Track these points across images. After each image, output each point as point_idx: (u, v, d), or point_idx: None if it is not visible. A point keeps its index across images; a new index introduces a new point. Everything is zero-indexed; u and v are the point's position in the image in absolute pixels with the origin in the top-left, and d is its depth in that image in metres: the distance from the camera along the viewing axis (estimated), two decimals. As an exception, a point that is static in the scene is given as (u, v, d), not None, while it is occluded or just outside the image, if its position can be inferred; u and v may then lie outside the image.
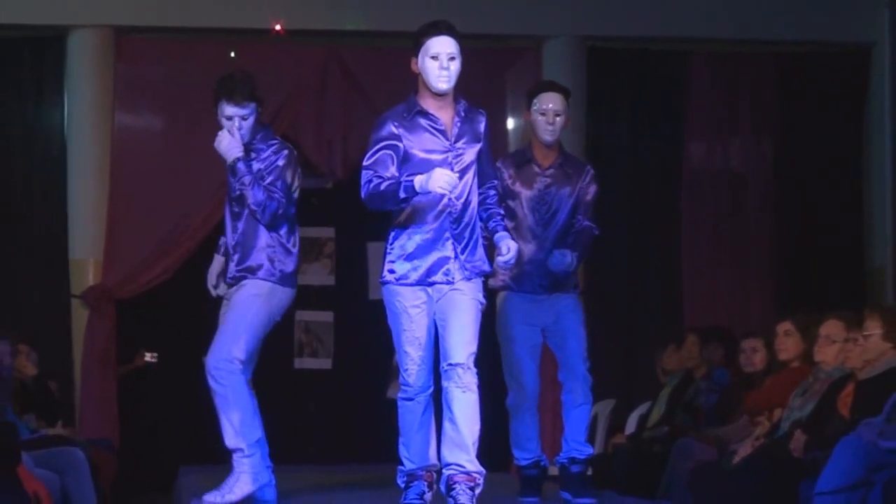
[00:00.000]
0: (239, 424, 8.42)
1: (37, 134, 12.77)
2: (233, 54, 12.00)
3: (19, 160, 12.75)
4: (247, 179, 8.41)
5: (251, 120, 8.53)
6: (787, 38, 13.09)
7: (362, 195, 7.63)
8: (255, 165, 8.52)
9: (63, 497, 8.29)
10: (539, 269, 9.00)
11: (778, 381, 10.09)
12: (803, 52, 13.21)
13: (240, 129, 8.51)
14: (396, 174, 7.55)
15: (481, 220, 7.86)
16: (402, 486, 7.77)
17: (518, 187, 8.96)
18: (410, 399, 7.70)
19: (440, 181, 7.38)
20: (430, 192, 7.45)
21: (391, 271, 7.74)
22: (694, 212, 13.17)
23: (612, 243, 11.86)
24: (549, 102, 9.02)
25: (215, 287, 8.77)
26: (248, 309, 8.49)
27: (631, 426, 11.84)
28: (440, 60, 7.60)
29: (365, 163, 7.68)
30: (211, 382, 8.41)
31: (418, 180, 7.41)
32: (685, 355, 11.64)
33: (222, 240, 8.78)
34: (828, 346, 9.43)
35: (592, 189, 9.14)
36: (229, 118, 8.49)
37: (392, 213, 7.75)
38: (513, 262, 7.90)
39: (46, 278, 12.67)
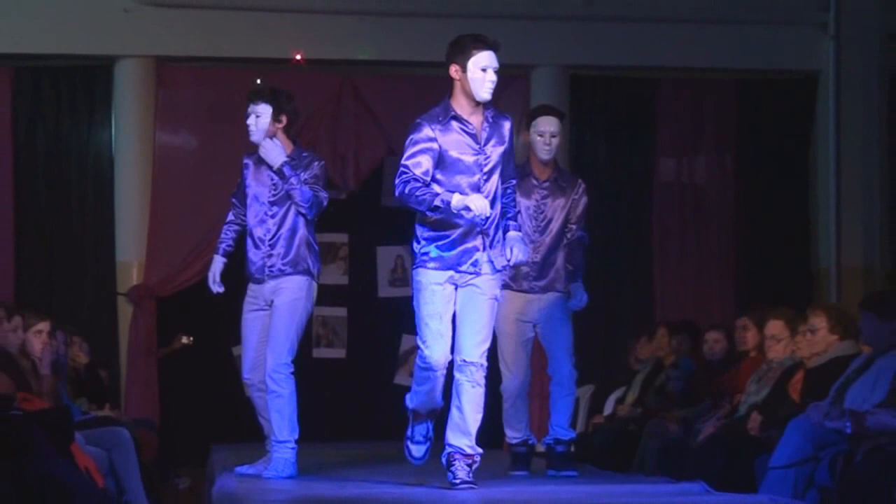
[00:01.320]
0: (290, 420, 8.53)
1: (88, 151, 12.78)
2: (259, 81, 11.98)
3: (73, 175, 12.77)
4: (294, 180, 8.46)
5: (265, 120, 8.55)
6: (744, 67, 13.08)
7: (397, 191, 7.55)
8: (302, 175, 8.55)
9: (110, 470, 8.29)
10: (534, 270, 9.03)
11: (739, 370, 10.12)
12: (759, 78, 13.20)
13: (256, 128, 8.55)
14: (431, 172, 7.50)
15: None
16: (409, 426, 7.77)
17: (518, 198, 8.96)
18: (429, 369, 7.58)
19: (478, 209, 7.33)
20: (461, 214, 7.38)
21: (424, 254, 7.59)
22: (663, 219, 13.17)
23: (592, 247, 11.84)
24: (547, 125, 9.05)
25: (218, 285, 8.80)
26: (294, 311, 8.54)
27: (608, 408, 11.82)
28: (488, 73, 7.52)
29: (403, 161, 7.57)
30: (271, 385, 8.48)
31: (456, 200, 7.35)
32: (656, 346, 11.64)
33: (223, 245, 8.82)
34: (774, 344, 9.49)
35: (584, 200, 9.17)
36: (247, 116, 8.56)
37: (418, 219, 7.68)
38: (524, 259, 7.85)
39: (96, 278, 12.68)
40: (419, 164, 7.53)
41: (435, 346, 7.53)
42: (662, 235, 13.17)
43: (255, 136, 8.59)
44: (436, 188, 7.51)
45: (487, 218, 7.49)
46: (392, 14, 12.56)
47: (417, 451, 7.77)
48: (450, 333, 7.60)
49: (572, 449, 9.33)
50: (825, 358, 8.92)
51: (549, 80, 12.78)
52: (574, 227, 9.13)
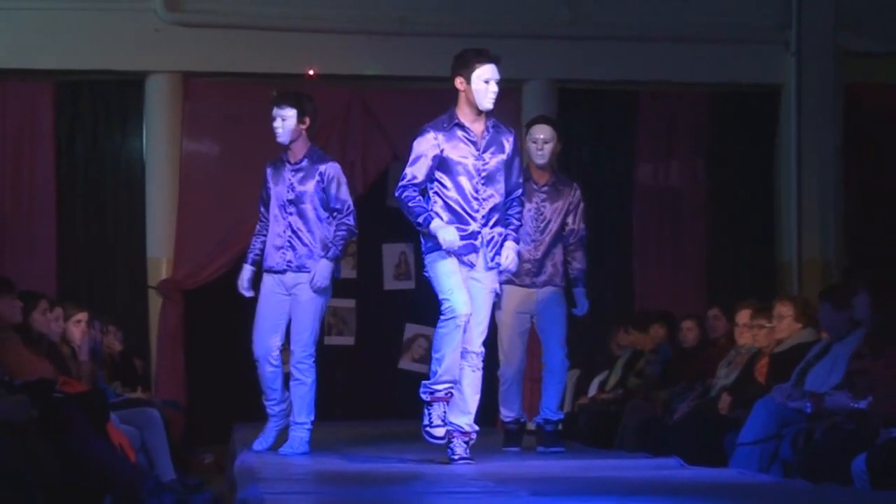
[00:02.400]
0: (308, 405, 8.61)
1: (122, 158, 12.76)
2: (275, 94, 11.98)
3: (108, 179, 12.76)
4: (335, 253, 8.55)
5: (291, 123, 8.50)
6: (715, 81, 13.06)
7: (396, 193, 7.64)
8: (308, 178, 8.52)
9: (142, 447, 8.31)
10: (535, 267, 9.06)
11: (710, 355, 10.14)
12: (728, 91, 13.18)
13: (282, 130, 8.51)
14: (431, 177, 7.56)
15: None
16: (426, 398, 7.64)
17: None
18: (454, 318, 7.51)
19: (446, 239, 7.43)
20: (435, 237, 7.45)
21: (430, 245, 7.61)
22: (642, 218, 13.16)
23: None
24: (539, 133, 9.11)
25: (247, 290, 8.82)
26: (317, 306, 8.61)
27: (592, 390, 11.85)
28: (490, 84, 7.56)
29: (406, 167, 7.64)
30: (296, 373, 8.58)
31: (433, 224, 7.44)
32: (634, 337, 11.70)
33: (252, 255, 8.79)
34: (744, 330, 9.52)
35: (581, 204, 9.24)
36: (273, 119, 8.53)
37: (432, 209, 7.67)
38: (512, 269, 7.86)
39: (129, 273, 12.65)
40: (418, 172, 7.59)
41: (457, 295, 7.51)
42: (641, 233, 13.16)
43: (282, 138, 8.56)
44: (437, 203, 7.61)
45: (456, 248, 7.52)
46: (397, 33, 12.56)
47: (438, 432, 7.66)
48: (465, 291, 7.58)
49: (560, 428, 9.37)
50: (788, 345, 8.95)
51: (539, 93, 12.77)
52: (576, 228, 9.18)
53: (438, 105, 7.89)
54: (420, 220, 7.53)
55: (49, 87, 12.55)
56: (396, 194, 7.66)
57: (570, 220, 9.19)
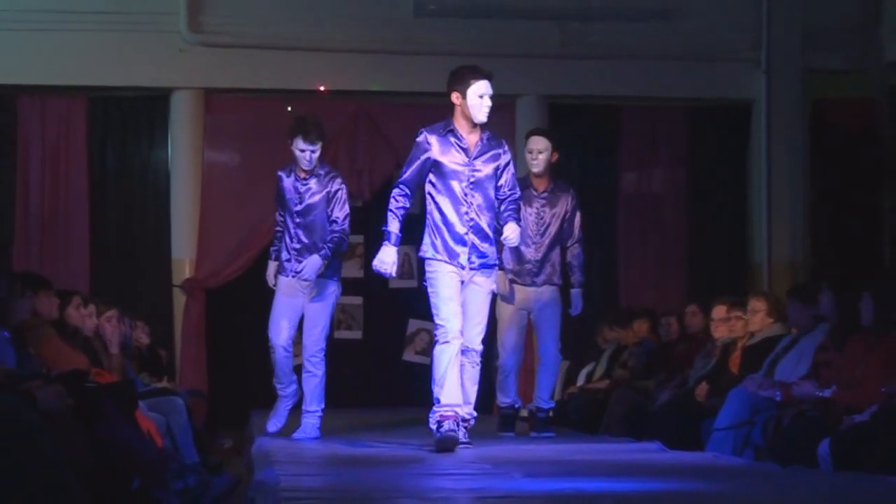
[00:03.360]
0: (319, 395, 8.70)
1: (149, 167, 12.77)
2: (289, 108, 12.00)
3: (137, 187, 12.78)
4: (326, 254, 8.56)
5: (318, 153, 8.54)
6: (692, 96, 13.08)
7: (391, 193, 7.68)
8: (315, 191, 8.54)
9: (167, 432, 8.30)
10: (535, 267, 9.08)
11: (688, 348, 10.15)
12: (704, 106, 13.19)
13: (310, 161, 8.52)
14: (423, 175, 7.59)
15: (499, 215, 7.73)
16: (435, 426, 7.48)
17: (521, 205, 8.99)
18: (448, 342, 7.47)
19: (379, 260, 7.55)
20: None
21: (432, 248, 7.60)
22: (626, 223, 13.17)
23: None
24: (534, 144, 9.16)
25: (274, 283, 8.88)
26: (327, 309, 8.72)
27: (581, 380, 11.85)
28: (485, 99, 7.53)
29: (402, 175, 7.71)
30: (309, 367, 8.65)
31: (384, 247, 7.53)
32: (617, 332, 11.71)
33: (276, 251, 8.90)
34: (719, 325, 9.51)
35: (577, 211, 9.26)
36: (302, 151, 8.49)
37: (426, 211, 7.70)
38: (515, 243, 7.78)
39: (155, 273, 12.65)
40: (411, 171, 7.63)
41: (452, 323, 7.46)
42: (625, 236, 13.17)
43: (310, 166, 8.57)
44: (430, 203, 7.64)
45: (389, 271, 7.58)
46: (400, 52, 12.57)
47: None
48: (460, 315, 7.56)
49: (551, 415, 9.40)
50: (759, 337, 8.96)
51: (531, 108, 12.79)
52: (573, 231, 9.19)
53: (437, 118, 7.88)
54: (385, 227, 7.60)
55: (83, 103, 12.57)
56: (391, 193, 7.68)
57: (567, 223, 9.21)
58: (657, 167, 13.28)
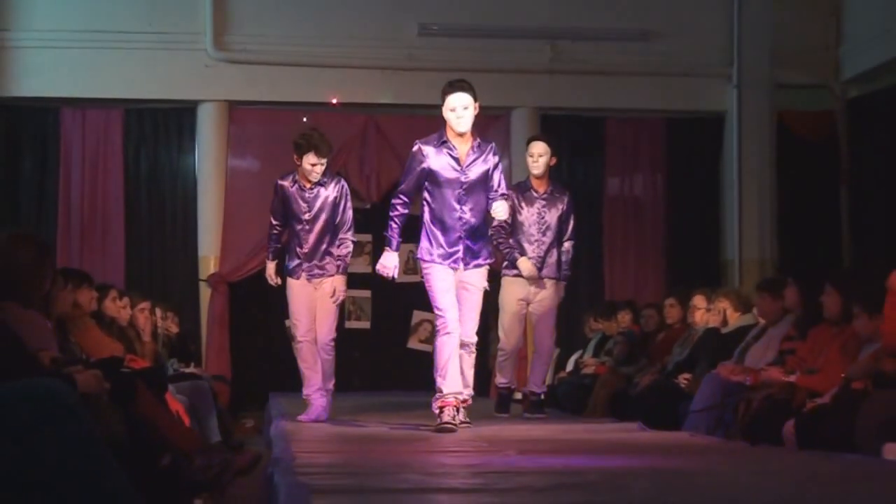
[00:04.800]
0: (331, 375, 8.60)
1: (178, 173, 12.77)
2: (305, 119, 12.00)
3: (167, 191, 12.78)
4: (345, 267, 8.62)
5: (324, 167, 8.49)
6: (670, 108, 13.08)
7: (391, 202, 7.66)
8: (323, 197, 8.52)
9: (194, 413, 8.32)
10: (537, 263, 9.09)
11: (667, 337, 10.16)
12: (681, 118, 13.18)
13: (319, 174, 8.48)
14: (419, 184, 7.54)
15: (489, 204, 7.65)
16: (437, 411, 7.52)
17: (523, 206, 9.02)
18: (449, 333, 7.46)
19: (381, 265, 7.58)
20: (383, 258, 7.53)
21: (429, 251, 7.57)
22: (611, 224, 13.16)
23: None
24: (534, 149, 9.23)
25: (274, 280, 8.88)
26: (336, 302, 8.63)
27: (569, 366, 11.87)
28: (456, 111, 7.45)
29: (401, 186, 7.67)
30: (323, 354, 8.60)
31: (386, 251, 7.54)
32: (601, 324, 11.71)
33: (272, 252, 8.89)
34: (696, 312, 9.53)
35: (571, 212, 9.29)
36: (313, 165, 8.44)
37: (423, 216, 7.66)
38: (504, 217, 7.72)
39: (183, 268, 12.66)
40: (408, 181, 7.60)
41: (450, 313, 7.45)
42: (610, 235, 13.16)
43: (316, 178, 8.52)
44: (425, 210, 7.59)
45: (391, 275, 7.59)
46: (406, 68, 12.57)
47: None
48: (456, 306, 7.54)
49: (542, 398, 9.40)
50: (730, 328, 8.98)
51: (524, 119, 12.78)
52: (570, 230, 9.21)
53: (439, 128, 7.89)
54: (386, 233, 7.60)
55: (119, 114, 12.58)
56: (391, 202, 7.66)
57: (563, 223, 9.23)
58: (638, 173, 13.27)
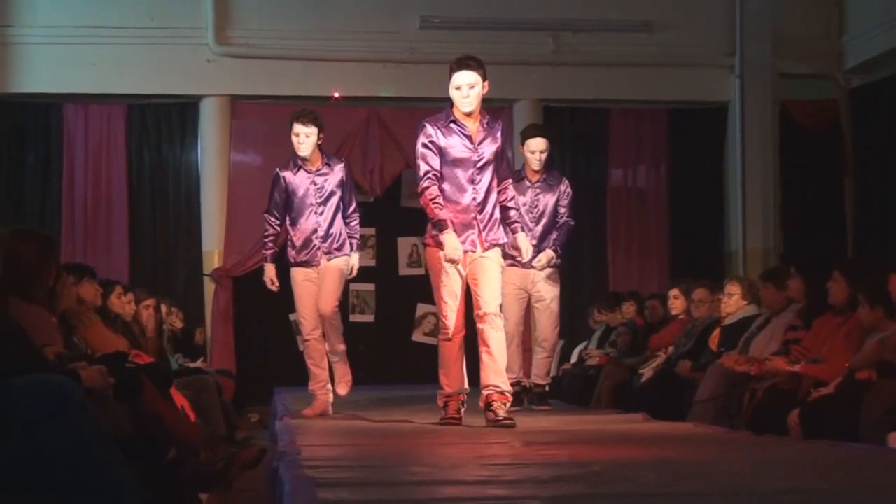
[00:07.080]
0: (340, 339, 8.54)
1: (181, 168, 12.81)
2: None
3: (170, 185, 12.81)
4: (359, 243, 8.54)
5: (313, 139, 8.23)
6: (673, 99, 13.09)
7: (419, 187, 7.18)
8: (332, 179, 8.40)
9: (199, 408, 8.32)
10: (533, 250, 9.02)
11: (670, 328, 10.16)
12: (684, 108, 13.20)
13: (305, 145, 8.23)
14: (438, 166, 7.12)
15: (500, 211, 7.34)
16: (442, 405, 7.43)
17: (517, 195, 8.93)
18: (449, 339, 7.26)
19: (448, 254, 7.05)
20: (441, 243, 7.08)
21: (435, 241, 7.19)
22: (614, 215, 13.18)
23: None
24: (536, 146, 9.09)
25: (274, 285, 8.51)
26: (341, 283, 8.44)
27: (574, 357, 11.88)
28: (462, 90, 7.16)
29: (419, 161, 7.19)
30: (329, 323, 8.41)
31: (444, 234, 7.02)
32: (606, 315, 11.72)
33: (271, 254, 8.49)
34: (700, 306, 9.53)
35: (569, 192, 9.16)
36: (296, 134, 8.24)
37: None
38: (529, 255, 7.74)
39: (188, 263, 12.69)
40: (431, 162, 7.16)
41: (451, 319, 7.18)
42: (614, 227, 13.17)
43: (305, 151, 8.26)
44: (442, 209, 7.15)
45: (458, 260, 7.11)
46: (408, 61, 12.57)
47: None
48: (464, 307, 7.29)
49: (547, 389, 9.40)
50: (735, 318, 8.97)
51: (527, 111, 12.79)
52: (564, 213, 9.14)
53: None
54: (436, 221, 7.10)
55: (122, 109, 12.61)
56: (419, 189, 7.20)
57: (561, 209, 9.16)
58: (642, 164, 13.29)
